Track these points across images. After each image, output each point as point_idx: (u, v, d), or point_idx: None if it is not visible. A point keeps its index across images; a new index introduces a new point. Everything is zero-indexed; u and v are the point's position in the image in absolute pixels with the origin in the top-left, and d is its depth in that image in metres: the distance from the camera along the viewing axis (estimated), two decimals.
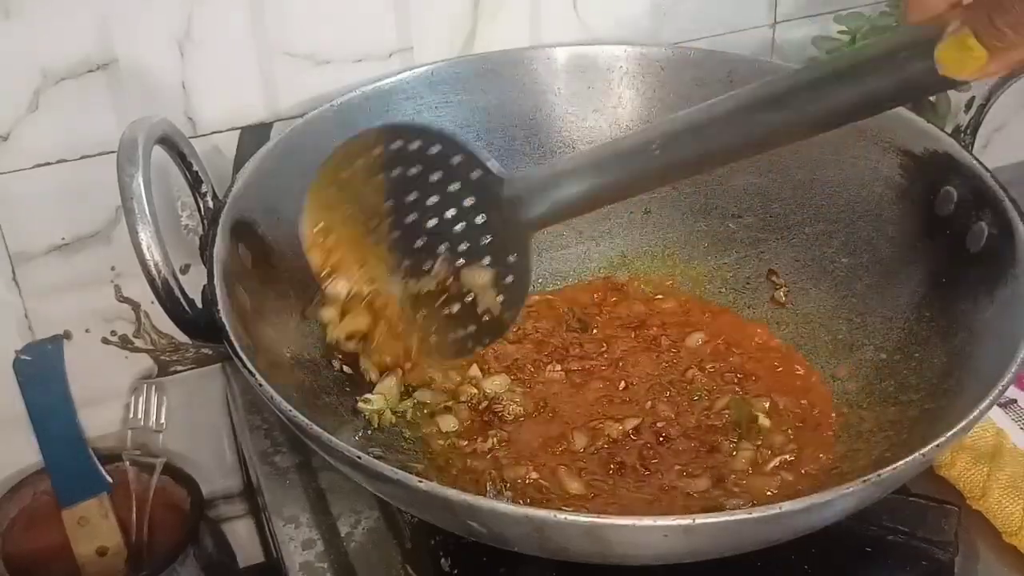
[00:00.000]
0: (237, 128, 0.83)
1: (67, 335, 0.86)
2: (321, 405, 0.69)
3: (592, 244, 0.88)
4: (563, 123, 0.88)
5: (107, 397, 0.90)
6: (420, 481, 0.54)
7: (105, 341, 0.88)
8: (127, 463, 0.88)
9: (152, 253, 0.61)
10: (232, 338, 0.61)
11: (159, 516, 0.89)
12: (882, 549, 0.68)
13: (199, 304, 0.64)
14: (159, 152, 0.66)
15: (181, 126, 0.82)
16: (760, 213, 0.85)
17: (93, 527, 0.87)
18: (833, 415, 0.75)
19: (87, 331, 0.87)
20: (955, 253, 0.72)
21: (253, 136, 0.84)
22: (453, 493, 0.53)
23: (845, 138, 0.81)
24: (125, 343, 0.88)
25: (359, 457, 0.55)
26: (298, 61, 0.83)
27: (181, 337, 0.89)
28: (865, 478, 0.53)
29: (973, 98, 0.76)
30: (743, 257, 0.85)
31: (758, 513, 0.52)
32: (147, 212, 0.61)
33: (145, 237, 0.60)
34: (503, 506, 0.53)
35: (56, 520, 0.87)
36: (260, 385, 0.59)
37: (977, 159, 0.73)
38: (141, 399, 0.89)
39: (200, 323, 0.63)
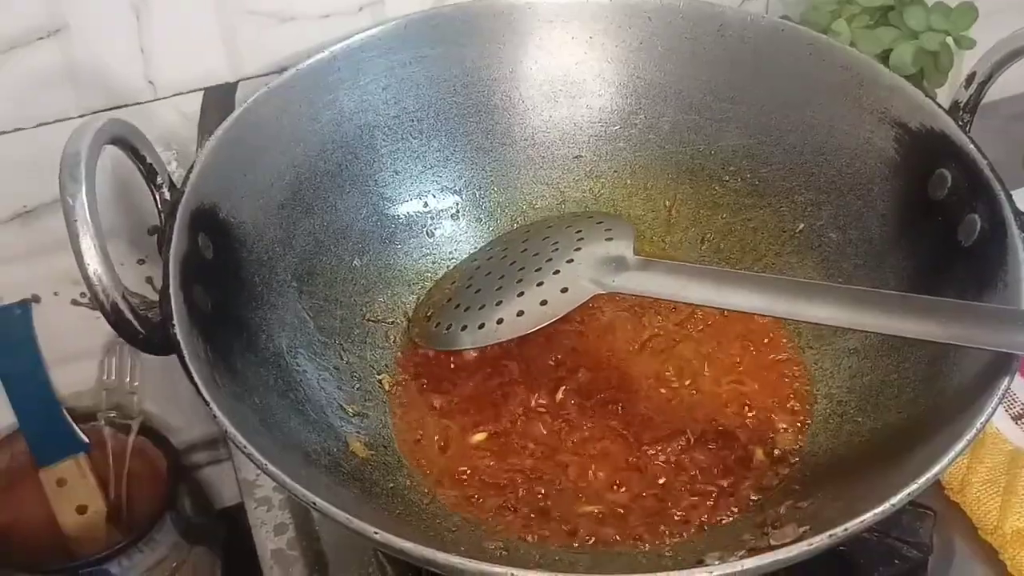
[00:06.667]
0: (200, 90, 0.79)
1: (35, 299, 0.84)
2: (293, 411, 0.67)
3: (573, 205, 0.85)
4: (545, 77, 0.83)
5: (80, 356, 0.88)
6: (376, 532, 0.53)
7: (75, 303, 0.86)
8: (103, 423, 0.88)
9: (100, 278, 0.58)
10: (189, 365, 0.59)
11: (137, 473, 0.89)
12: (856, 548, 0.68)
13: (157, 308, 0.62)
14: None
15: (141, 91, 0.78)
16: (748, 177, 0.81)
17: (72, 487, 0.87)
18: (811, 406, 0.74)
19: (55, 294, 0.85)
20: (946, 244, 0.69)
21: (217, 96, 0.79)
22: (410, 546, 0.52)
23: (839, 105, 0.77)
24: (95, 304, 0.86)
25: (315, 504, 0.54)
26: (261, 19, 0.78)
27: (152, 296, 0.87)
28: (831, 532, 0.52)
29: (974, 74, 0.71)
30: (728, 223, 0.82)
31: (718, 572, 0.51)
32: (92, 233, 0.57)
33: (91, 261, 0.58)
34: (459, 560, 0.51)
35: (34, 481, 0.87)
36: (215, 416, 0.57)
37: (974, 142, 0.69)
38: (115, 359, 0.88)
39: (155, 340, 0.61)
